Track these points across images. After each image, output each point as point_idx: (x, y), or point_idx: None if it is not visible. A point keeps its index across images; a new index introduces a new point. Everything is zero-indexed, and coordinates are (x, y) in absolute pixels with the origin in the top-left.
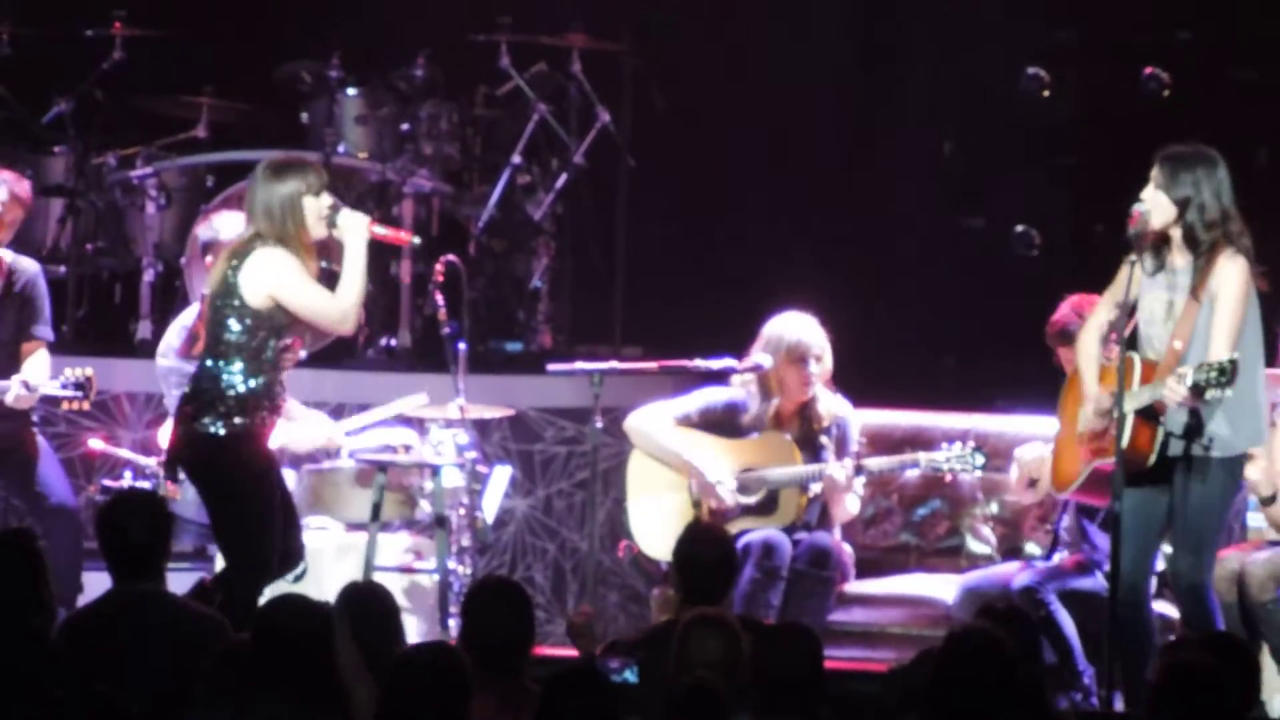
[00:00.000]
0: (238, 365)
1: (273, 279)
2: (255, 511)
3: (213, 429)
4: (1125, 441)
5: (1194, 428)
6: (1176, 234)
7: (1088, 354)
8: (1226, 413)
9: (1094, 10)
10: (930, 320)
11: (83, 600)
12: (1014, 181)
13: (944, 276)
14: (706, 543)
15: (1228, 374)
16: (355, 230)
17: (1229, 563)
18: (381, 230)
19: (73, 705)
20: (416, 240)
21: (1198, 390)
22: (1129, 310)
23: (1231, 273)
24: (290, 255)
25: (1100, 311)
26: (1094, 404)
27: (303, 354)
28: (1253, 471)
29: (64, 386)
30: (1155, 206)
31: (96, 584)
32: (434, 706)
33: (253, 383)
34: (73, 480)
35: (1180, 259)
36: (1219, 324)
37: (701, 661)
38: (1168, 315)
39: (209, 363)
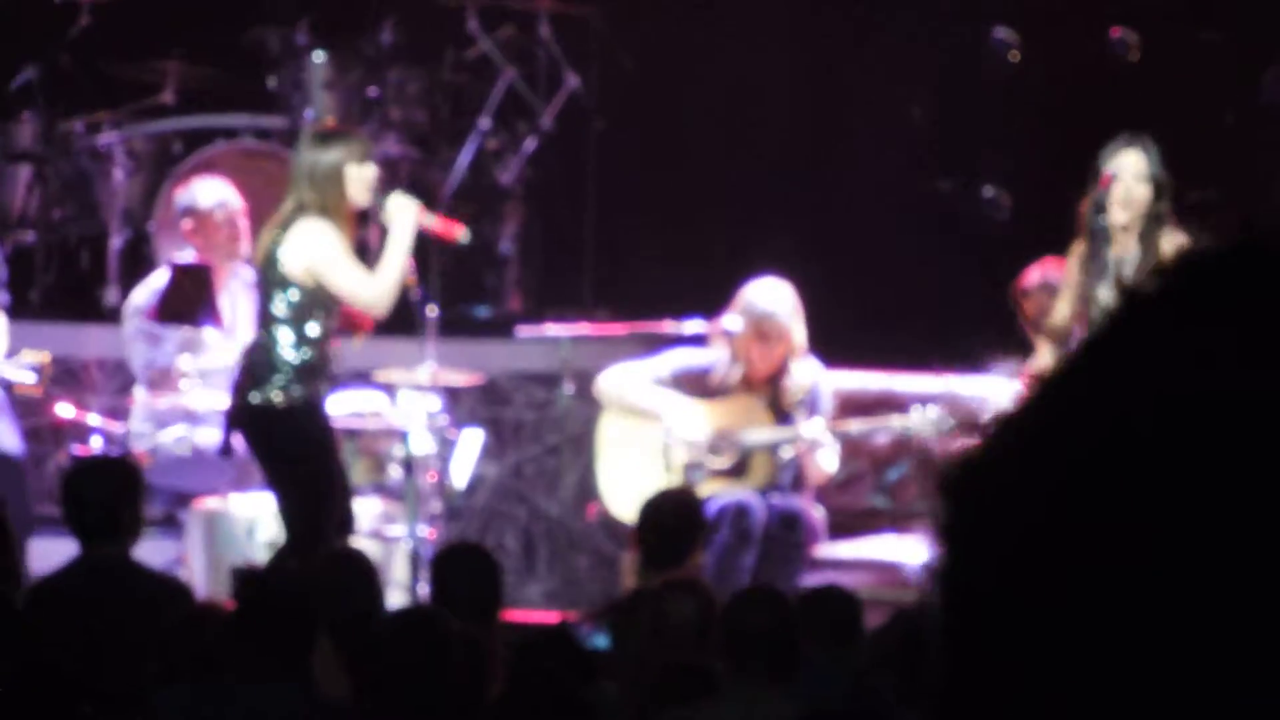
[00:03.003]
0: (287, 337)
1: (313, 252)
2: (313, 482)
3: (269, 400)
4: None
5: None
6: (1136, 224)
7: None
8: None
9: None
10: (900, 282)
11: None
12: (983, 144)
13: (914, 239)
14: (667, 506)
15: None
16: (403, 215)
17: None
18: (431, 221)
19: (27, 678)
20: (466, 234)
21: None
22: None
23: (1174, 245)
24: (332, 228)
25: (1060, 307)
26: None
27: None
28: None
29: (20, 367)
30: (1132, 201)
31: (61, 552)
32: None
33: (305, 353)
34: (40, 446)
35: (1123, 253)
36: None
37: (676, 625)
38: None
39: (259, 335)
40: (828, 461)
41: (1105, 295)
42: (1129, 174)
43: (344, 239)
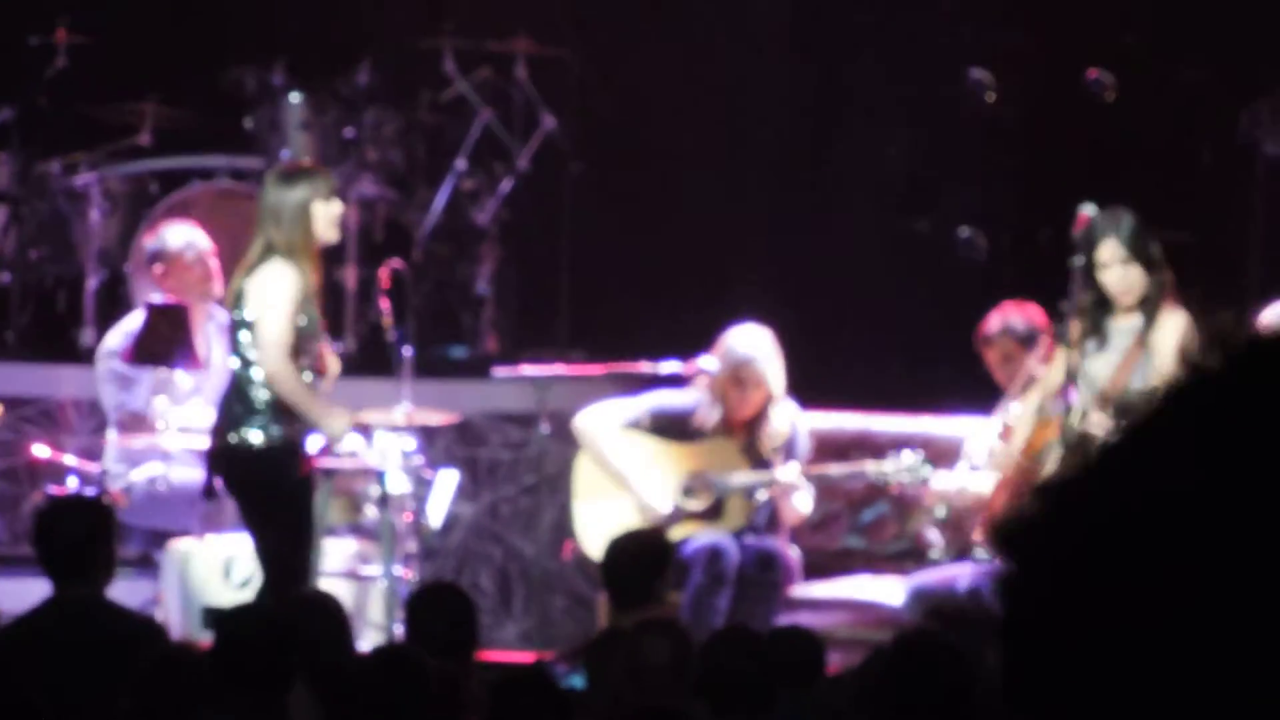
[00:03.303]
0: (259, 377)
1: (268, 296)
2: (292, 523)
3: (246, 441)
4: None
5: None
6: (1130, 300)
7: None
8: None
9: (1039, 11)
10: (877, 322)
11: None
12: (960, 184)
13: (891, 279)
14: (628, 547)
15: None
16: (338, 431)
17: None
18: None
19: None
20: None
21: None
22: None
23: (1174, 326)
24: (296, 274)
25: (1052, 373)
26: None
27: None
28: None
29: None
30: (1131, 283)
31: (34, 592)
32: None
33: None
34: (16, 486)
35: (1125, 321)
36: (1157, 378)
37: (651, 666)
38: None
39: (235, 376)
40: (803, 504)
41: (1098, 367)
42: (1116, 262)
43: (306, 284)
